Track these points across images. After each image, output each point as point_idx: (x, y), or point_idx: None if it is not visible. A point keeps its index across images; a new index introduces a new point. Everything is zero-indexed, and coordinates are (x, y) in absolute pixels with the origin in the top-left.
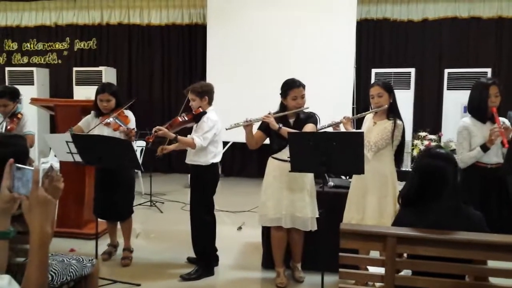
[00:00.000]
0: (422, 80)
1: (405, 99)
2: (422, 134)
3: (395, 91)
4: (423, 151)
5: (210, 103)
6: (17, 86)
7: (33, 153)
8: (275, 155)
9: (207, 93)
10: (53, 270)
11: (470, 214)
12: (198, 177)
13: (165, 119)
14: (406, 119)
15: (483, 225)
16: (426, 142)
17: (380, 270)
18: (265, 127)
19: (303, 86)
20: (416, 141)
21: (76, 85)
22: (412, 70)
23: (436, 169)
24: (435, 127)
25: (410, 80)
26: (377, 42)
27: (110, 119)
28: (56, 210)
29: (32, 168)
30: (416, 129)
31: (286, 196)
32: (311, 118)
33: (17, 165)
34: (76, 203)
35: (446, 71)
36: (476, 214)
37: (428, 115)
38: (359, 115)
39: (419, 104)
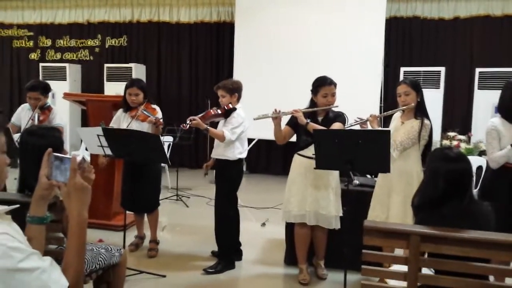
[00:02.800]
0: (452, 79)
1: (435, 99)
2: (451, 134)
3: (424, 90)
4: (439, 154)
5: (238, 100)
6: (50, 82)
7: (65, 146)
8: (301, 152)
9: (237, 90)
10: None
11: (483, 209)
12: (224, 171)
13: (192, 115)
14: (435, 119)
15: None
16: (455, 143)
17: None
18: (293, 123)
19: (335, 84)
20: (445, 141)
21: (107, 81)
22: (442, 69)
23: (464, 172)
24: (465, 128)
25: (439, 79)
26: (407, 41)
27: (139, 112)
28: None
29: (70, 156)
30: (445, 129)
31: (310, 193)
32: (340, 117)
33: (55, 154)
34: (105, 195)
35: (477, 70)
36: (486, 208)
37: (458, 115)
38: (385, 113)
39: (449, 104)
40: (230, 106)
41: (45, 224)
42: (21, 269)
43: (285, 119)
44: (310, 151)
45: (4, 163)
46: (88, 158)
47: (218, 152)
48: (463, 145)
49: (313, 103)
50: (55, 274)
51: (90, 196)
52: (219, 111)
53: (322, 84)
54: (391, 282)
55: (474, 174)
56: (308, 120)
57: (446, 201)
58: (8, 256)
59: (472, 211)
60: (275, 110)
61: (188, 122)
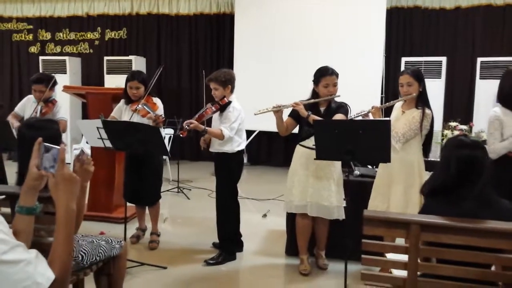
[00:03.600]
0: (453, 69)
1: (436, 88)
2: (453, 124)
3: (425, 80)
4: (453, 141)
5: (232, 91)
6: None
7: (66, 139)
8: (302, 143)
9: (230, 82)
10: (83, 251)
11: (500, 204)
12: (224, 165)
13: (192, 107)
14: (437, 109)
15: None
16: (456, 132)
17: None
18: (295, 114)
19: (336, 75)
20: (446, 131)
21: (107, 73)
22: (444, 59)
23: (476, 159)
24: (466, 117)
25: (441, 69)
26: (408, 31)
27: (139, 106)
28: (87, 194)
29: (59, 147)
30: (446, 119)
31: (311, 184)
32: (342, 108)
33: (45, 144)
34: (106, 188)
35: (479, 59)
36: (506, 204)
37: (459, 105)
38: (387, 104)
39: (450, 94)
40: (225, 100)
41: (34, 214)
42: (4, 261)
43: (286, 111)
44: (312, 141)
45: None
46: (88, 151)
47: (216, 147)
48: (462, 133)
49: (315, 94)
50: (41, 266)
51: (79, 187)
52: (214, 108)
53: (323, 74)
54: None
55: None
56: (310, 112)
57: (457, 188)
58: None
59: (484, 200)
60: (276, 105)
61: (185, 127)
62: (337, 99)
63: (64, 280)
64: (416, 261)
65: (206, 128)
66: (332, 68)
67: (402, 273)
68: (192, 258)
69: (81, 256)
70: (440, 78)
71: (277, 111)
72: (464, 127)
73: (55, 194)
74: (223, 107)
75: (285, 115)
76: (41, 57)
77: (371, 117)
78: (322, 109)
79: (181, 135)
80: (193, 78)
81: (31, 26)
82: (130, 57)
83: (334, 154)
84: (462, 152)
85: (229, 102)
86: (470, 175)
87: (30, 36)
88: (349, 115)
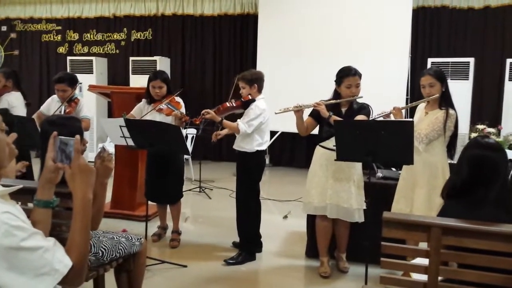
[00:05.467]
0: (482, 71)
1: (463, 90)
2: (480, 127)
3: (453, 81)
4: (472, 141)
5: (259, 91)
6: (77, 75)
7: (92, 138)
8: (322, 143)
9: (256, 81)
10: (103, 247)
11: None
12: (243, 164)
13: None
14: (464, 111)
15: None
16: None
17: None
18: (316, 114)
19: (359, 75)
20: (473, 134)
21: (132, 74)
22: (471, 60)
23: (487, 160)
24: (495, 120)
25: (468, 70)
26: (434, 31)
27: (163, 105)
28: (110, 192)
29: (74, 139)
30: (474, 122)
31: (331, 185)
32: (364, 109)
33: (61, 137)
34: (130, 186)
35: (508, 60)
36: None
37: (488, 107)
38: (409, 105)
39: (478, 96)
40: (249, 97)
41: (51, 208)
42: (24, 248)
43: (307, 111)
44: (332, 142)
45: (5, 142)
46: (112, 150)
47: (237, 144)
48: (492, 138)
49: (336, 94)
50: (59, 253)
51: (95, 177)
52: (235, 104)
53: (346, 75)
54: (415, 276)
55: (507, 168)
56: (331, 113)
57: (471, 190)
58: (11, 235)
59: (500, 203)
60: (297, 104)
61: (201, 115)
62: (359, 100)
63: (81, 268)
64: (437, 265)
65: (223, 120)
66: (355, 68)
67: (423, 277)
68: (212, 257)
69: (101, 252)
70: (467, 79)
71: (298, 111)
72: (492, 129)
73: (72, 185)
74: (245, 104)
75: (305, 115)
76: (68, 57)
77: (392, 118)
78: (343, 110)
79: (194, 122)
80: (217, 79)
81: (59, 27)
82: (155, 57)
83: (355, 155)
84: (473, 152)
85: (253, 100)
86: (482, 177)
87: (59, 37)
88: (371, 117)
